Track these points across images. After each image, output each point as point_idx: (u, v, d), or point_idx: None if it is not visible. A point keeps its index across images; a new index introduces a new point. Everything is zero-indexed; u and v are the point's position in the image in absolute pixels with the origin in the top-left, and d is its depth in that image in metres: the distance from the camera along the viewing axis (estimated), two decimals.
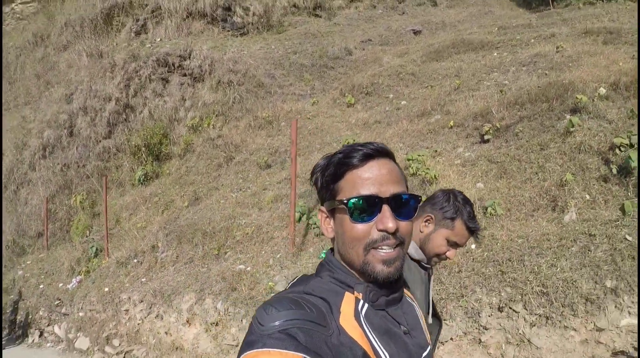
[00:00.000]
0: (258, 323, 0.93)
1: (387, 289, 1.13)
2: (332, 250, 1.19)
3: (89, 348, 7.19)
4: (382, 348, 1.03)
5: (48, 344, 8.31)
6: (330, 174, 1.13)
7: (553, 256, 4.46)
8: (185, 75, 14.69)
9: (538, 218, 5.10)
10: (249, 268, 5.78)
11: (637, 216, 4.43)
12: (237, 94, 13.58)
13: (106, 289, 7.46)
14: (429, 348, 1.20)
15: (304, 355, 0.87)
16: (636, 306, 3.88)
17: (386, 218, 1.04)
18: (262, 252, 6.12)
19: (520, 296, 4.23)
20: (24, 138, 14.54)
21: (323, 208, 1.17)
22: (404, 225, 1.08)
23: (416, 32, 18.69)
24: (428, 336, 1.26)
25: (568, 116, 6.66)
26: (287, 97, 13.50)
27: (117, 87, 14.01)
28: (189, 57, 14.95)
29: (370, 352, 1.00)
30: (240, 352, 0.91)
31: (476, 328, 4.35)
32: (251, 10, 19.61)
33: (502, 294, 4.31)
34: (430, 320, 2.22)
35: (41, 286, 9.30)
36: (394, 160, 1.16)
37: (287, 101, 13.13)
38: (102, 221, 10.40)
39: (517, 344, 4.15)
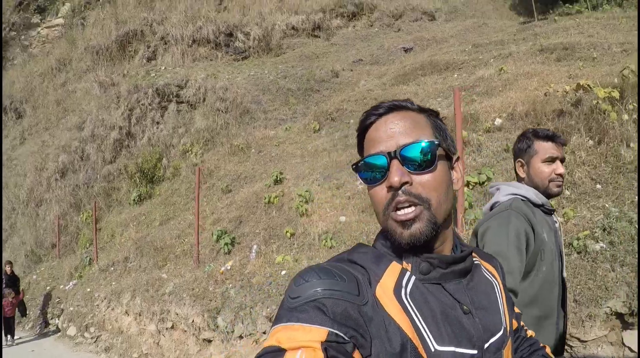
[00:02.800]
0: (288, 296, 0.95)
1: (444, 260, 1.07)
2: None
3: (75, 335, 10.08)
4: (425, 328, 0.98)
5: (51, 333, 11.30)
6: (357, 144, 1.15)
7: None
8: (181, 103, 17.60)
9: None
10: (165, 276, 8.55)
11: (637, 218, 4.89)
12: (224, 121, 16.34)
13: (88, 290, 10.40)
14: (501, 333, 1.11)
15: (329, 329, 0.87)
16: None
17: (391, 174, 1.01)
18: (184, 265, 8.86)
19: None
20: (43, 161, 17.82)
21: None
22: (420, 178, 1.03)
23: (407, 50, 20.28)
24: (507, 320, 1.17)
25: None
26: (269, 123, 15.95)
27: (121, 116, 17.10)
28: (185, 86, 17.83)
29: (409, 331, 0.96)
30: (272, 326, 0.92)
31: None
32: (252, 35, 22.37)
33: None
34: (565, 274, 2.42)
35: (47, 288, 12.33)
36: (413, 110, 1.12)
37: (268, 126, 15.58)
38: (101, 235, 13.42)
39: None
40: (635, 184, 5.85)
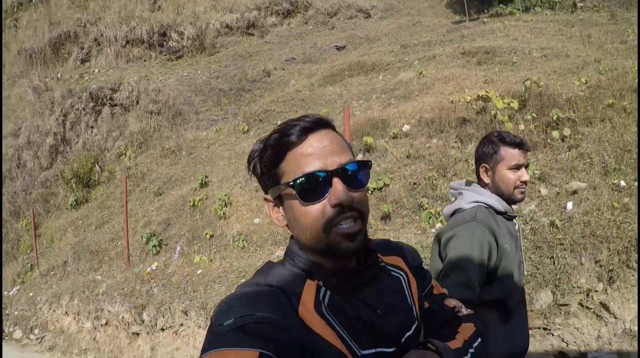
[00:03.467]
0: (215, 323, 1.00)
1: (353, 273, 1.17)
2: (292, 236, 1.22)
3: (21, 337, 11.06)
4: (350, 338, 1.07)
5: None
6: (269, 157, 1.15)
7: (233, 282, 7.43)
8: (115, 106, 18.37)
9: (269, 249, 8.31)
10: (99, 277, 9.68)
11: (637, 215, 5.09)
12: (157, 124, 17.24)
13: (30, 294, 11.39)
14: (415, 325, 1.23)
15: (260, 350, 0.92)
16: None
17: (338, 191, 1.07)
18: (117, 267, 9.99)
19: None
20: None
21: (268, 197, 1.22)
22: (358, 195, 1.12)
23: (339, 48, 21.22)
24: (416, 310, 1.29)
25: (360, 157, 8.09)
26: (201, 124, 16.78)
27: (56, 121, 17.81)
28: (119, 89, 18.60)
29: (336, 342, 1.06)
30: (201, 353, 0.97)
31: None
32: (185, 35, 23.12)
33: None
34: (525, 273, 2.53)
35: None
36: (334, 129, 1.20)
37: (200, 127, 16.46)
38: (41, 241, 14.32)
39: None
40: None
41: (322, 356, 1.02)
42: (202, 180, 11.15)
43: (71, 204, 15.36)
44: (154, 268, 8.92)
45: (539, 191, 6.38)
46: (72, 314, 9.51)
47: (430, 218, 6.59)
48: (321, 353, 1.02)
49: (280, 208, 1.19)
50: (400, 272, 1.32)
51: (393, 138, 8.87)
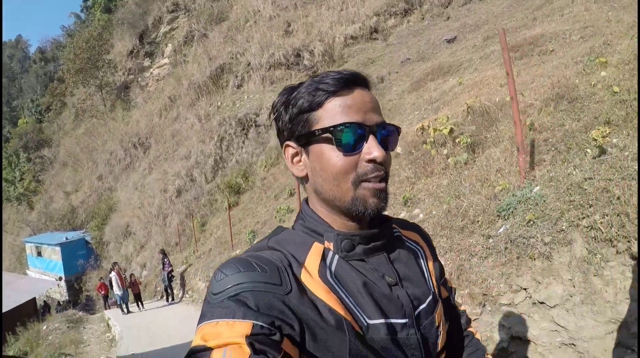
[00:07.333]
0: (210, 292, 1.05)
1: (365, 237, 1.21)
2: (307, 199, 1.29)
3: (182, 297, 18.47)
4: (355, 304, 1.12)
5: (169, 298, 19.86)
6: (306, 102, 1.19)
7: None
8: (258, 126, 25.37)
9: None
10: (218, 258, 16.56)
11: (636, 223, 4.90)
12: None
13: (189, 269, 18.94)
14: (430, 299, 1.27)
15: (254, 321, 0.96)
16: None
17: (374, 148, 1.14)
18: (228, 251, 16.65)
19: None
20: (165, 185, 27.23)
21: (291, 143, 1.24)
22: (388, 157, 1.19)
23: (450, 41, 22.47)
24: (434, 285, 1.34)
25: None
26: None
27: (215, 145, 25.61)
28: (260, 113, 25.52)
29: (341, 309, 1.09)
30: (197, 324, 1.01)
31: None
32: (315, 52, 29.07)
33: None
34: None
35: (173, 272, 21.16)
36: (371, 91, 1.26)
37: None
38: (204, 234, 21.97)
39: None
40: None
41: (324, 325, 1.06)
42: (290, 191, 16.25)
43: (225, 208, 22.63)
44: (238, 252, 15.40)
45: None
46: (202, 280, 16.68)
47: None
48: (323, 322, 1.06)
49: (304, 156, 1.23)
50: (417, 246, 1.42)
51: None
